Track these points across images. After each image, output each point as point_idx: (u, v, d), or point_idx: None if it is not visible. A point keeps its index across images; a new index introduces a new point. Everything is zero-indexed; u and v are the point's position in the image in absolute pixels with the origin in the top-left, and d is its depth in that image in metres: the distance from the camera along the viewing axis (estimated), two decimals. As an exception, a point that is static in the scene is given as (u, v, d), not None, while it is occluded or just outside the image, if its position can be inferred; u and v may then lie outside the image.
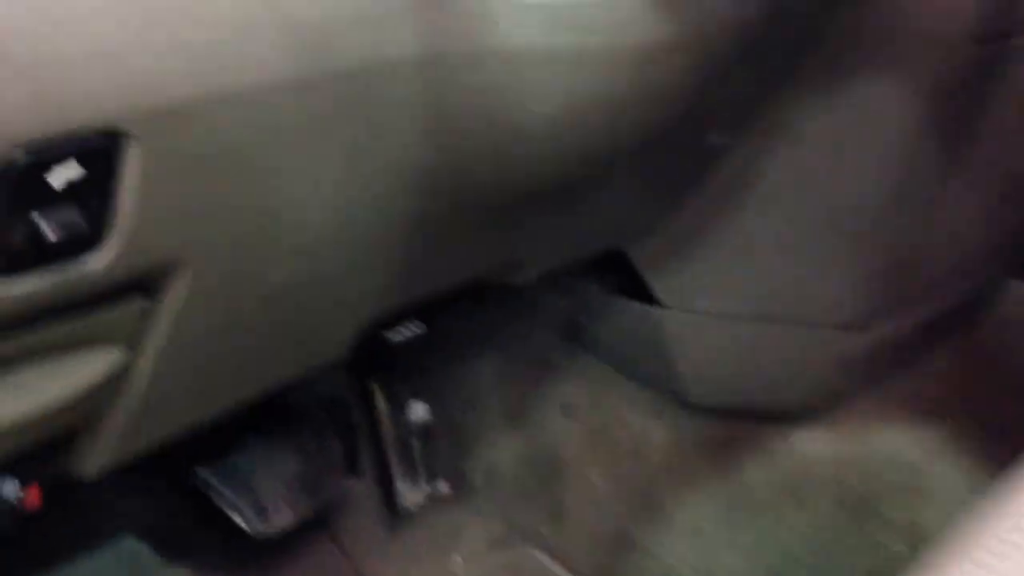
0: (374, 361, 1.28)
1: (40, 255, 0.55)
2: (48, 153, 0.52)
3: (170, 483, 1.14)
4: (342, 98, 0.62)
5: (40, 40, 0.49)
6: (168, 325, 0.67)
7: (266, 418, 1.09)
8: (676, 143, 0.93)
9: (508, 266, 0.98)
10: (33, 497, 0.75)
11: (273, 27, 0.57)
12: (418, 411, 1.45)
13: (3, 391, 0.64)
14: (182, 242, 0.62)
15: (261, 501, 1.16)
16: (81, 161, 0.53)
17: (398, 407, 1.43)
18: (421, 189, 0.72)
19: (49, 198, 0.54)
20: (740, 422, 1.38)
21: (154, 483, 1.15)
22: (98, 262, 0.58)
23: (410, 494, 1.40)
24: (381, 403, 1.40)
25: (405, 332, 1.00)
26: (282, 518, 1.16)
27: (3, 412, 0.64)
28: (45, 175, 0.53)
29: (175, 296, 0.66)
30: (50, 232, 0.54)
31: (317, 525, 1.40)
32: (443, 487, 1.42)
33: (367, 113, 0.64)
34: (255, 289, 0.71)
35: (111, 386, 0.71)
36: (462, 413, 1.52)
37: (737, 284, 1.22)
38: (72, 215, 0.55)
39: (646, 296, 1.27)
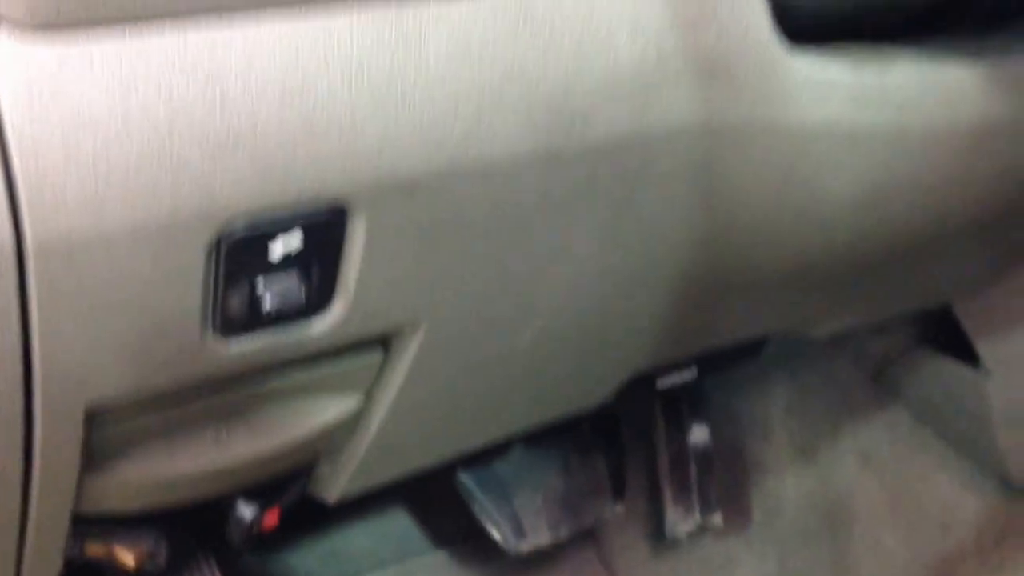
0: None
1: (261, 319, 0.53)
2: (270, 224, 0.49)
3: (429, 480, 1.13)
4: (596, 171, 0.54)
5: (263, 112, 0.46)
6: (401, 377, 0.64)
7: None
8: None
9: (801, 324, 0.87)
10: (271, 518, 0.76)
11: (520, 99, 0.50)
12: (699, 434, 1.36)
13: (243, 431, 0.64)
14: (411, 307, 0.58)
15: (519, 517, 1.13)
16: (305, 230, 0.50)
17: (677, 428, 1.35)
18: (686, 262, 0.63)
19: (272, 265, 0.51)
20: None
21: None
22: (322, 326, 0.55)
23: (681, 522, 1.32)
24: (660, 422, 1.33)
25: (675, 378, 0.92)
26: (539, 538, 1.13)
27: (243, 450, 0.64)
28: (268, 243, 0.50)
29: (409, 351, 0.62)
30: (269, 300, 0.51)
31: (583, 536, 1.36)
32: (717, 520, 1.33)
33: (625, 186, 0.56)
34: (496, 346, 0.66)
35: (346, 427, 0.69)
36: (746, 441, 1.41)
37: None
38: (293, 284, 0.52)
39: (970, 356, 1.10)
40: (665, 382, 0.91)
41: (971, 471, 1.22)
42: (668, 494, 1.34)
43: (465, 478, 1.12)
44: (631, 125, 0.53)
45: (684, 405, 1.35)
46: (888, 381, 1.28)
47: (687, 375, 0.93)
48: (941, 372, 1.18)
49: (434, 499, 1.27)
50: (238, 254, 0.49)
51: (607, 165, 0.54)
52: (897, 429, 1.30)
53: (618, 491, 1.20)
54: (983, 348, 1.07)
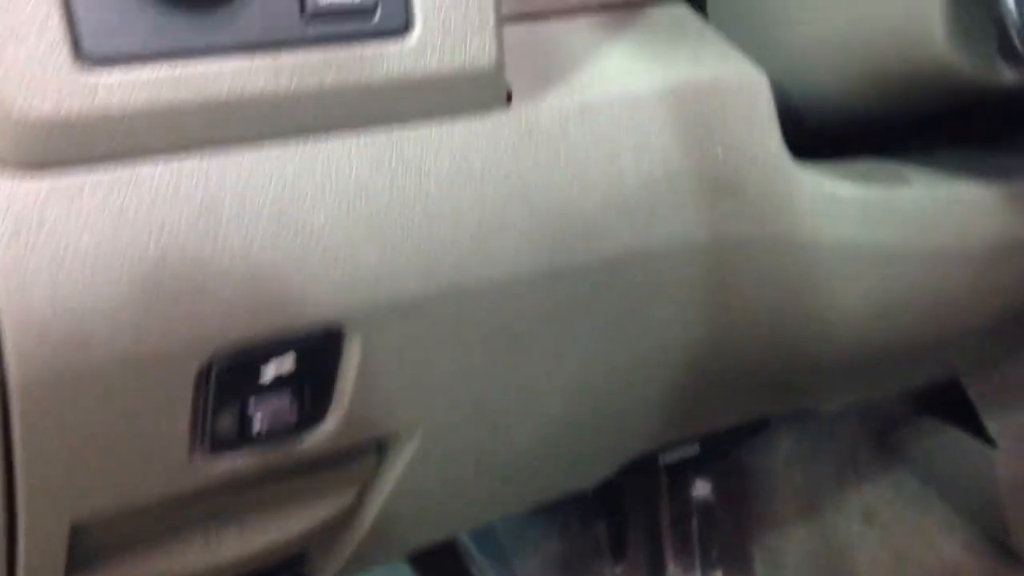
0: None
1: (251, 437, 0.52)
2: (262, 348, 0.48)
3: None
4: (599, 284, 0.53)
5: (258, 241, 0.45)
6: (396, 476, 0.63)
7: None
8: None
9: (804, 405, 0.86)
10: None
11: (522, 220, 0.49)
12: (702, 489, 1.35)
13: (233, 534, 0.62)
14: (407, 416, 0.56)
15: (517, 578, 1.12)
16: (298, 352, 0.49)
17: (681, 483, 1.33)
18: (688, 361, 0.62)
19: (264, 386, 0.50)
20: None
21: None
22: (315, 438, 0.54)
23: (681, 577, 1.31)
24: (663, 478, 1.31)
25: (677, 454, 0.90)
26: (536, 601, 1.12)
27: (233, 551, 0.63)
28: (260, 366, 0.49)
29: (404, 453, 0.61)
30: (259, 420, 0.50)
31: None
32: (718, 575, 1.32)
33: (629, 297, 0.55)
34: (493, 443, 0.65)
35: (340, 522, 0.68)
36: (750, 496, 1.40)
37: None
38: (285, 403, 0.50)
39: (977, 425, 1.08)
40: (667, 458, 0.90)
41: (975, 533, 1.21)
42: (669, 548, 1.33)
43: (465, 539, 1.11)
44: (636, 241, 0.52)
45: (686, 459, 1.33)
46: (894, 444, 1.27)
47: (689, 451, 0.91)
48: (948, 441, 1.17)
49: (434, 558, 1.26)
50: (228, 378, 0.48)
51: (610, 278, 0.53)
52: (902, 488, 1.29)
53: (618, 554, 1.19)
54: (990, 421, 1.06)
